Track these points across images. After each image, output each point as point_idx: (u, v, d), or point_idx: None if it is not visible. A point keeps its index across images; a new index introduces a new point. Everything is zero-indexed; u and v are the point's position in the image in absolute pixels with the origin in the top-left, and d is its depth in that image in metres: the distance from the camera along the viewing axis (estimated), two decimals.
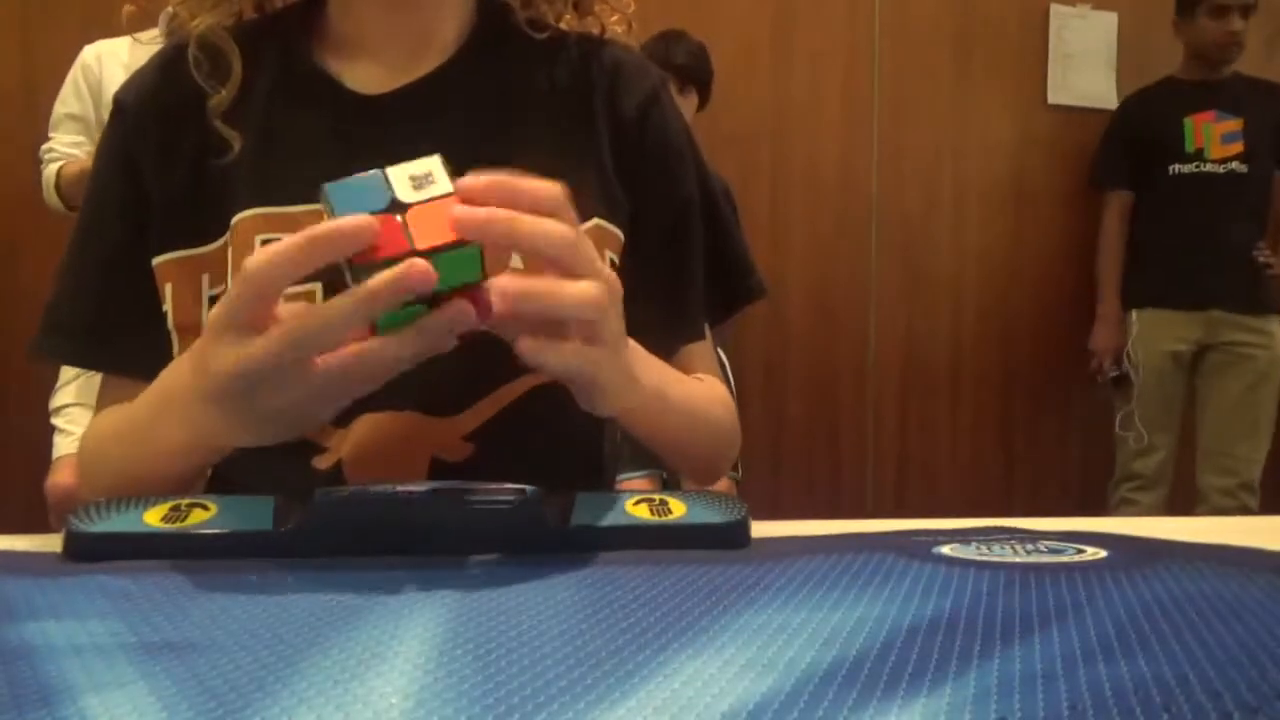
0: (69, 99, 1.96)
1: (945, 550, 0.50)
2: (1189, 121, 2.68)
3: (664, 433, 0.68)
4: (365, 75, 0.72)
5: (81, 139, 1.95)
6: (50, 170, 1.96)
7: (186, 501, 0.53)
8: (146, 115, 0.71)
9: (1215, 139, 2.67)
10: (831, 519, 0.61)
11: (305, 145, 0.69)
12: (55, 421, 1.88)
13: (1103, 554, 0.49)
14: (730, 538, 0.52)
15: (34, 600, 0.41)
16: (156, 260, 0.70)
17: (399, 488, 0.50)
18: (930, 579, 0.44)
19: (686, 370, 0.74)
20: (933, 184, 2.96)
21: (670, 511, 0.54)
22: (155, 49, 0.75)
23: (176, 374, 0.60)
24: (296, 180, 0.68)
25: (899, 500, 2.95)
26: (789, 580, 0.43)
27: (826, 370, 2.90)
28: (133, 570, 0.46)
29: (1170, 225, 2.69)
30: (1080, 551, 0.50)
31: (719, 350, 0.91)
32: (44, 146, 1.99)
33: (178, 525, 0.50)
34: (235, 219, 0.67)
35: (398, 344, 0.48)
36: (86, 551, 0.49)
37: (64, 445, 1.85)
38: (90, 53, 1.95)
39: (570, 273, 0.50)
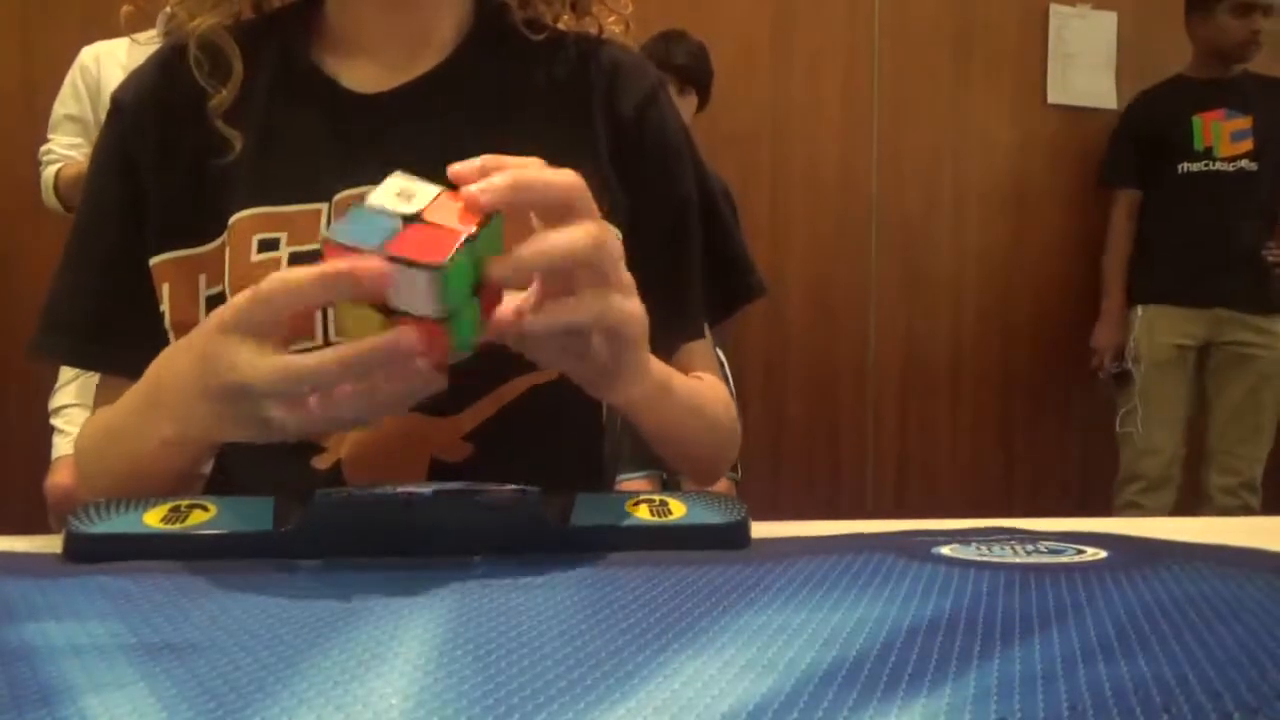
0: (67, 100, 1.96)
1: (945, 551, 0.50)
2: (1198, 119, 2.65)
3: (668, 426, 0.68)
4: (363, 74, 0.72)
5: (80, 140, 1.95)
6: (49, 172, 1.96)
7: (186, 502, 0.53)
8: (145, 114, 0.71)
9: (1224, 137, 2.64)
10: (831, 519, 0.61)
11: (303, 144, 0.69)
12: (55, 422, 1.87)
13: (1103, 554, 0.49)
14: (730, 538, 0.52)
15: (34, 601, 0.41)
16: (154, 260, 0.70)
17: (398, 488, 0.50)
18: (930, 579, 0.44)
19: (686, 369, 0.74)
20: (932, 184, 2.96)
21: (670, 512, 0.54)
22: (153, 49, 0.75)
23: (171, 368, 0.58)
24: (294, 179, 0.68)
25: (899, 500, 2.95)
26: (789, 581, 0.43)
27: (826, 370, 2.90)
28: (132, 571, 0.46)
29: (1179, 224, 2.66)
30: (1080, 552, 0.50)
31: (719, 350, 0.91)
32: (43, 148, 1.99)
33: (177, 526, 0.50)
34: (233, 218, 0.67)
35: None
36: (86, 552, 0.49)
37: (63, 446, 1.84)
38: (88, 54, 1.95)
39: (573, 216, 0.50)
